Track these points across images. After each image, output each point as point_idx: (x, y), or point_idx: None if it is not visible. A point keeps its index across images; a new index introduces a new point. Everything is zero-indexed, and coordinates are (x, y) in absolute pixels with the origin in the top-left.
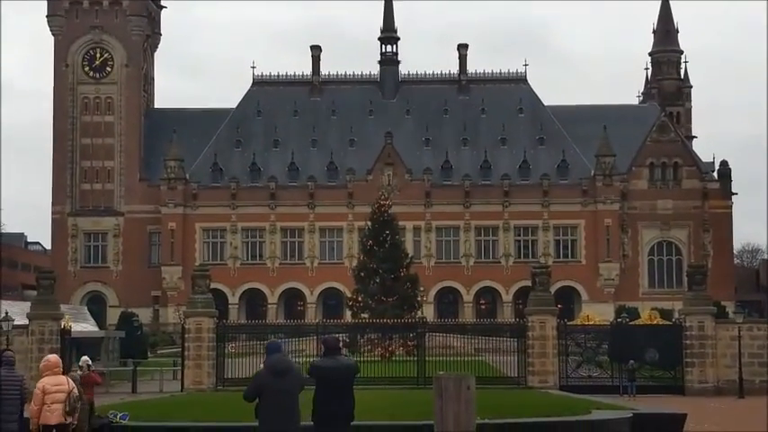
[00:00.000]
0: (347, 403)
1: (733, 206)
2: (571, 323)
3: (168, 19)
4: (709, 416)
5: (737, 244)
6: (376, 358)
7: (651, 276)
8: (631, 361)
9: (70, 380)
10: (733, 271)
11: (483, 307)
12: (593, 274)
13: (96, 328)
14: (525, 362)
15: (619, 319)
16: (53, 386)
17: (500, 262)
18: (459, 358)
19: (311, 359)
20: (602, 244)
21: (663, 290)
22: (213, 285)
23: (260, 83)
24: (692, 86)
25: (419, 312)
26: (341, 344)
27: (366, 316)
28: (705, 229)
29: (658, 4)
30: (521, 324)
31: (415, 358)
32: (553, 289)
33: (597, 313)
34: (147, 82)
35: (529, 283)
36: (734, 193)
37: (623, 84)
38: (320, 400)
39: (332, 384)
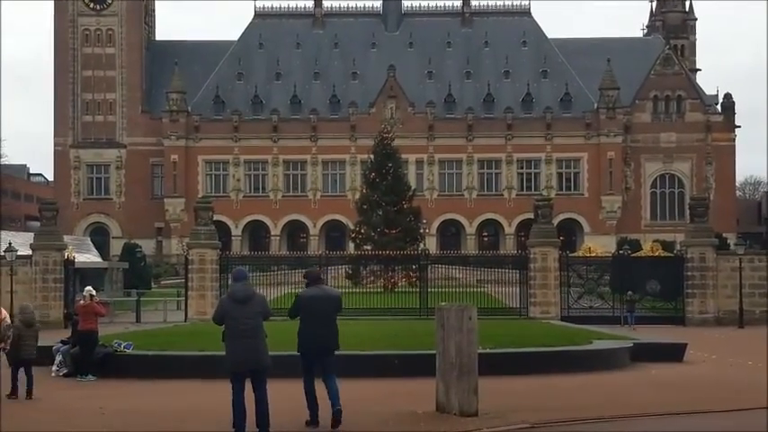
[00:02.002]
0: (330, 332)
1: (736, 139)
2: (573, 255)
3: None
4: (710, 345)
5: (740, 177)
6: (379, 289)
7: (653, 209)
8: (629, 291)
9: (3, 309)
10: (735, 203)
11: (485, 239)
12: (595, 206)
13: (100, 259)
14: (527, 293)
15: (621, 251)
16: None
17: (503, 195)
18: (461, 289)
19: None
20: (605, 177)
21: (665, 222)
22: (216, 217)
23: (262, 15)
24: (696, 19)
25: (422, 245)
26: (323, 275)
27: (369, 248)
28: (708, 162)
29: None
30: (523, 256)
31: (418, 289)
32: (555, 221)
33: (599, 245)
34: (148, 14)
35: (531, 215)
36: (737, 126)
37: (628, 16)
38: (303, 329)
39: (315, 314)
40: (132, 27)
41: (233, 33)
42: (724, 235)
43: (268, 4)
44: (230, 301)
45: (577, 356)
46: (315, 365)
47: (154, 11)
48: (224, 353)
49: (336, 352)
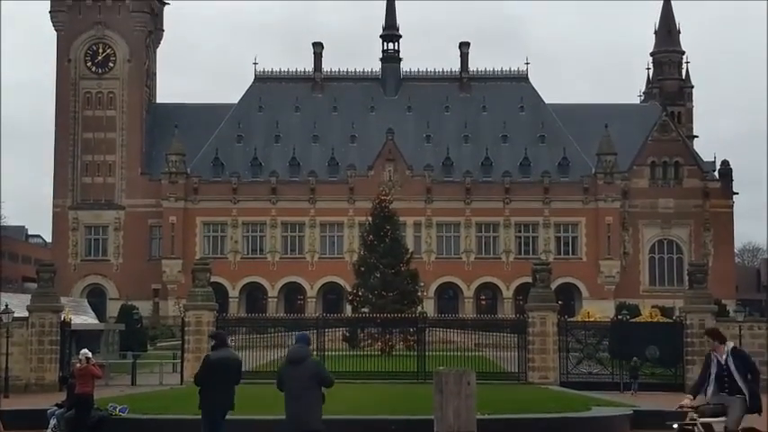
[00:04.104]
0: (227, 395)
1: (734, 205)
2: (572, 320)
3: (171, 14)
4: None
5: (738, 243)
6: (376, 353)
7: (652, 274)
8: (635, 358)
9: None
10: (734, 270)
11: (483, 303)
12: (593, 271)
13: (96, 321)
14: (526, 358)
15: (619, 316)
16: None
17: (501, 258)
18: (459, 353)
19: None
20: (603, 241)
21: (663, 288)
22: (213, 279)
23: (262, 79)
24: (693, 86)
25: (419, 307)
26: (230, 339)
27: (366, 310)
28: (706, 228)
29: (660, 4)
30: (521, 320)
31: (416, 353)
32: (553, 286)
33: (598, 310)
34: (149, 77)
35: (529, 279)
36: (735, 193)
37: (625, 83)
38: (204, 390)
39: (216, 375)
40: (133, 90)
41: (233, 96)
42: (723, 301)
43: (268, 68)
44: (286, 363)
45: (576, 424)
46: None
47: (155, 74)
48: (243, 416)
49: (332, 416)
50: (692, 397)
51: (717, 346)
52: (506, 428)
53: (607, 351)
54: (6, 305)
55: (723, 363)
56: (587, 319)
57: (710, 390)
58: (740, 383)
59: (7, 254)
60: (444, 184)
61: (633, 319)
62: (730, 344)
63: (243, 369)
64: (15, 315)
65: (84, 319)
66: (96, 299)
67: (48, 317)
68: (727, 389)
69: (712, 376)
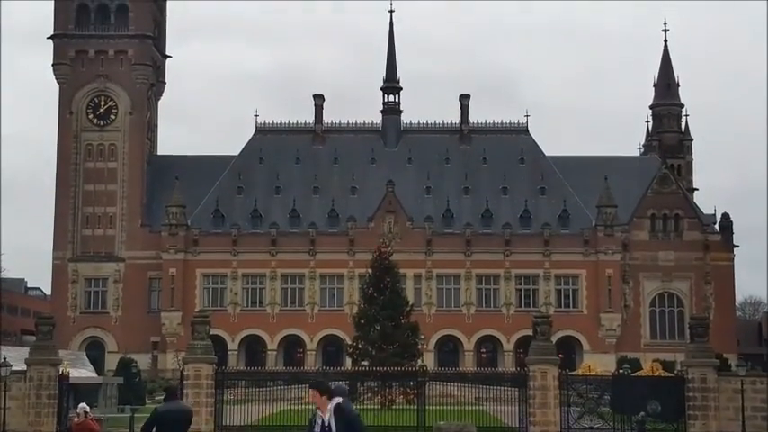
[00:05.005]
0: None
1: (735, 259)
2: (573, 373)
3: (173, 67)
4: None
5: (739, 296)
6: (376, 406)
7: (653, 327)
8: (642, 413)
9: None
10: (735, 324)
11: (484, 355)
12: (594, 324)
13: (94, 374)
14: (526, 412)
15: (621, 370)
16: None
17: (501, 310)
18: (459, 407)
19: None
20: (604, 294)
21: (665, 341)
22: (213, 331)
23: (263, 131)
24: (692, 139)
25: (419, 360)
26: (178, 392)
27: (366, 363)
28: (707, 281)
29: (659, 58)
30: (522, 373)
31: (416, 407)
32: (554, 338)
33: (599, 364)
34: (151, 129)
35: (530, 332)
36: (735, 246)
37: (624, 135)
38: None
39: (164, 427)
40: (135, 142)
41: (234, 148)
42: (725, 355)
43: (269, 120)
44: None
45: None
46: None
47: (156, 126)
48: None
49: None
50: None
51: (322, 402)
52: None
53: (609, 405)
54: (5, 358)
55: (326, 423)
56: (588, 373)
57: None
58: None
59: (6, 306)
60: (444, 236)
61: (635, 373)
62: (337, 400)
63: (242, 423)
64: (13, 368)
65: (82, 372)
66: (95, 352)
67: (46, 370)
68: None
69: None
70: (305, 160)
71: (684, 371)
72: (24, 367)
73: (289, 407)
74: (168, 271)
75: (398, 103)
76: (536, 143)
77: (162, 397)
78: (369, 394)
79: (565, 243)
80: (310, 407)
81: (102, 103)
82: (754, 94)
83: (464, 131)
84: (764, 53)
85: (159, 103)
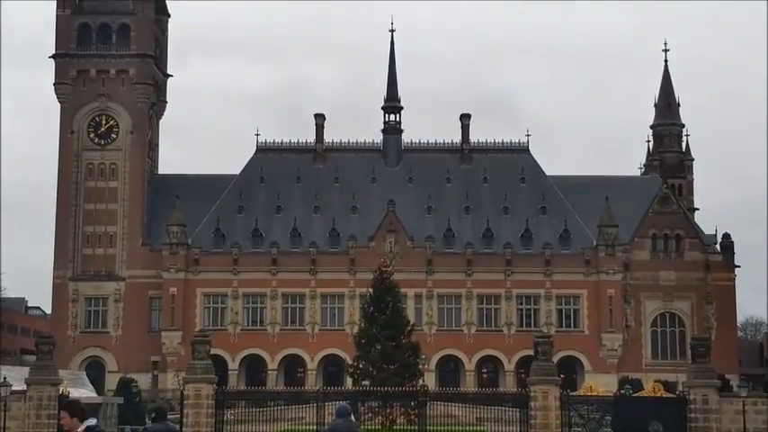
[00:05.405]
0: None
1: (736, 279)
2: (574, 394)
3: (174, 86)
4: None
5: (741, 317)
6: (377, 426)
7: (654, 348)
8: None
9: None
10: (736, 344)
11: (485, 376)
12: (595, 344)
13: (95, 394)
14: None
15: (622, 391)
16: None
17: (502, 330)
18: (460, 428)
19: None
20: (605, 314)
21: (666, 361)
22: (213, 351)
23: (263, 150)
24: (693, 159)
25: (420, 380)
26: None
27: (367, 383)
28: (708, 302)
29: (660, 78)
30: (523, 394)
31: (417, 427)
32: (555, 359)
33: (600, 384)
34: (152, 148)
35: (531, 352)
36: (737, 266)
37: (625, 155)
38: None
39: None
40: (135, 161)
41: (235, 167)
42: (726, 376)
43: (270, 139)
44: None
45: None
46: None
47: (157, 145)
48: None
49: None
50: None
51: (73, 425)
52: None
53: (610, 426)
54: (5, 378)
55: None
56: (590, 394)
57: None
58: None
59: (6, 326)
60: (445, 255)
61: (636, 394)
62: (92, 420)
63: None
64: (13, 388)
65: (82, 391)
66: (95, 371)
67: (46, 390)
68: None
69: None
70: (306, 179)
71: (686, 391)
72: (24, 387)
73: (289, 427)
74: (169, 290)
75: (399, 123)
76: (537, 162)
77: (152, 417)
78: (369, 414)
79: (566, 263)
80: (312, 428)
81: (104, 122)
82: (754, 114)
83: (465, 151)
84: (765, 73)
85: (160, 122)
